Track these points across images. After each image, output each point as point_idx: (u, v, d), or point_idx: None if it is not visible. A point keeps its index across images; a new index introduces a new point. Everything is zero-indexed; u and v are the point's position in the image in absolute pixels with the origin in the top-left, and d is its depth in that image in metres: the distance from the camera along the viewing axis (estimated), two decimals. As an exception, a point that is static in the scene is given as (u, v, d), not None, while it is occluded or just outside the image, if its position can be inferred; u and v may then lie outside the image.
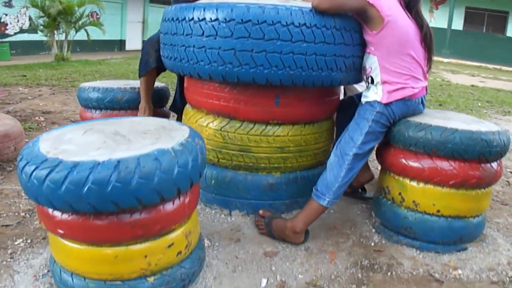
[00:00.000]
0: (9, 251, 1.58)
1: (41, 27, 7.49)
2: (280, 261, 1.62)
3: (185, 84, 1.97)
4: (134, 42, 12.79)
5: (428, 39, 1.65)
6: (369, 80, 1.67)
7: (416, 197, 1.67)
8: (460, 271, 1.60)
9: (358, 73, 1.73)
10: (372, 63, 1.64)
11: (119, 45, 12.44)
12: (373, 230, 1.87)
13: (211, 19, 1.52)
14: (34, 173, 1.11)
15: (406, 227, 1.71)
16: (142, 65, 2.07)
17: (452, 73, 10.57)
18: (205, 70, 1.60)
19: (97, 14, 10.37)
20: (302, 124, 1.79)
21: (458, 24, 15.49)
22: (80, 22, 7.88)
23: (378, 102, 1.63)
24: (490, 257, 1.73)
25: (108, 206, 1.10)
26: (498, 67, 13.41)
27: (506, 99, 6.30)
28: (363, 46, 1.66)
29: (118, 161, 1.09)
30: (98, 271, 1.21)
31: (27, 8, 8.29)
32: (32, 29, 8.44)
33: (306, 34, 1.50)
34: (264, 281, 1.50)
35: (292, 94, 1.72)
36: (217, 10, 1.51)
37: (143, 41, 2.12)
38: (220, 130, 1.77)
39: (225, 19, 1.49)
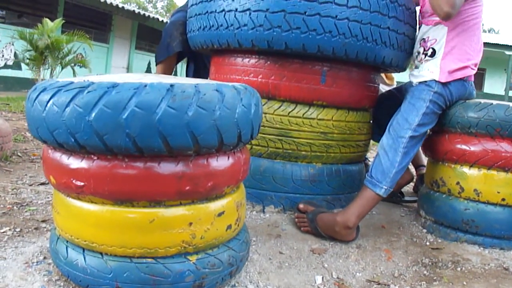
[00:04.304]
0: (-8, 240, 1.24)
1: (27, 60, 7.25)
2: (331, 258, 1.35)
3: (211, 68, 1.78)
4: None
5: None
6: (429, 52, 1.54)
7: (478, 185, 1.48)
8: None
9: (407, 56, 1.63)
10: (438, 34, 1.51)
11: (104, 88, 12.16)
12: (424, 231, 1.63)
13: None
14: (54, 98, 0.86)
15: (466, 220, 1.49)
16: (162, 50, 1.87)
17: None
18: (248, 36, 1.43)
19: (82, 56, 10.22)
20: (346, 109, 1.62)
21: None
22: (67, 59, 7.69)
23: (436, 81, 1.49)
24: None
25: (153, 142, 0.84)
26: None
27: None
28: (412, 27, 1.60)
29: (172, 85, 0.86)
30: (124, 242, 0.91)
31: (13, 44, 8.10)
32: (17, 65, 8.19)
33: (361, 0, 1.40)
34: (319, 278, 1.21)
35: (339, 72, 1.56)
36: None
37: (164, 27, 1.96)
38: (256, 111, 1.56)
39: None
